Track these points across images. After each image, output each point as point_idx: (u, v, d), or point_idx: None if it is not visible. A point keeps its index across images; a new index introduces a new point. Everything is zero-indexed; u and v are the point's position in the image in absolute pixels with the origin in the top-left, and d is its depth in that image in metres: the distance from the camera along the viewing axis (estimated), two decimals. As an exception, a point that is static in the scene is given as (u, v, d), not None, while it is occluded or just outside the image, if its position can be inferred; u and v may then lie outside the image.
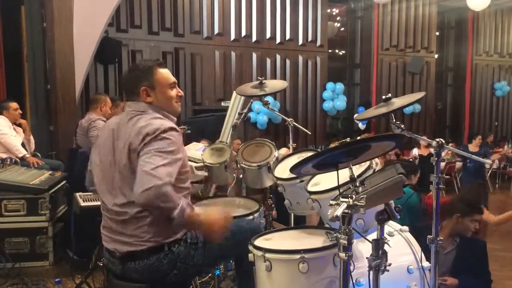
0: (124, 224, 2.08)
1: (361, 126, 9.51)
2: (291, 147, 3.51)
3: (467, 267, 3.06)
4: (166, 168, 1.91)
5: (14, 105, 5.20)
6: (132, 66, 2.28)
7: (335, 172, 1.87)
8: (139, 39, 7.64)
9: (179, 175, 2.04)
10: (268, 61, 8.81)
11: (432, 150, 7.73)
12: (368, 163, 2.17)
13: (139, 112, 2.14)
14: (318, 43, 9.30)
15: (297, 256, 1.96)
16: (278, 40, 8.88)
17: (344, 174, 1.86)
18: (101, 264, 3.19)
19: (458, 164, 8.82)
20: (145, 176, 1.87)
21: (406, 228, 2.52)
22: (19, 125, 5.31)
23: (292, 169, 1.91)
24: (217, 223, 2.07)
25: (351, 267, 1.73)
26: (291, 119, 3.54)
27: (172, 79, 2.24)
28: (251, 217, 2.73)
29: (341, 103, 9.36)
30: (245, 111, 3.70)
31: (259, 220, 2.85)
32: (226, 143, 3.51)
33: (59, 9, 5.92)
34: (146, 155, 1.93)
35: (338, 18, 10.95)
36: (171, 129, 2.03)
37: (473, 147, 8.09)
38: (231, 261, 3.06)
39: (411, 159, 7.79)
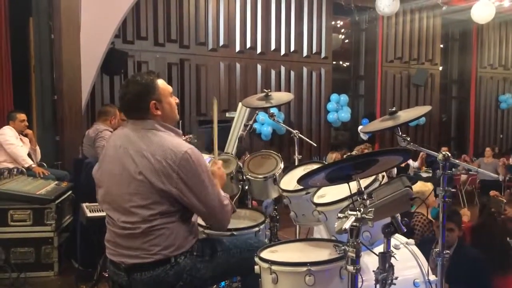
0: (132, 238, 2.07)
1: (364, 136, 9.49)
2: (296, 159, 3.52)
3: (460, 275, 3.05)
4: (218, 191, 2.17)
5: (21, 116, 5.23)
6: (131, 82, 2.16)
7: (342, 184, 1.88)
8: (145, 50, 7.70)
9: None
10: (273, 72, 8.86)
11: (409, 161, 7.69)
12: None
13: (148, 129, 2.12)
14: (323, 55, 9.35)
15: (304, 269, 1.95)
16: (282, 51, 8.94)
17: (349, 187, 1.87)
18: (106, 275, 3.19)
19: (463, 177, 8.78)
20: (216, 213, 2.15)
21: (412, 241, 2.52)
22: (26, 135, 5.34)
23: (299, 181, 1.92)
24: (219, 169, 2.43)
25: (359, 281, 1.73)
26: (297, 131, 3.55)
27: (170, 87, 2.24)
28: (256, 228, 2.74)
29: (345, 114, 9.37)
30: (250, 122, 3.72)
31: (264, 232, 2.85)
32: (232, 154, 3.52)
33: (67, 21, 5.99)
34: (199, 191, 2.06)
35: (342, 30, 11.01)
36: (192, 149, 2.08)
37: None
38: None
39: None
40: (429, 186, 4.21)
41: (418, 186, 4.20)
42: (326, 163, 3.39)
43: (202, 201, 2.08)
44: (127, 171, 2.07)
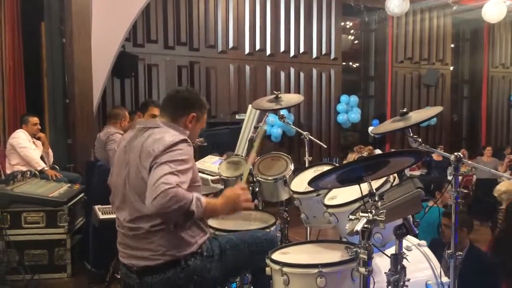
0: (138, 239, 2.12)
1: (377, 137, 9.43)
2: (307, 160, 3.52)
3: (470, 279, 3.01)
4: (174, 176, 1.92)
5: (33, 120, 5.30)
6: (191, 91, 2.34)
7: (352, 186, 1.88)
8: (155, 53, 7.74)
9: (191, 188, 2.03)
10: (282, 74, 8.86)
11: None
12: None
13: (151, 127, 2.20)
14: (332, 56, 9.32)
15: (315, 270, 1.96)
16: (292, 53, 8.93)
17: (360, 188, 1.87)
18: (119, 277, 3.22)
19: (475, 177, 8.66)
20: (153, 186, 1.91)
21: (424, 242, 2.51)
22: (38, 139, 5.40)
23: (310, 183, 1.92)
24: (236, 195, 2.13)
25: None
26: (307, 132, 3.55)
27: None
28: (267, 230, 2.74)
29: (355, 115, 9.34)
30: (260, 124, 3.72)
31: (275, 234, 2.86)
32: (242, 156, 3.53)
33: (78, 25, 6.04)
34: (156, 168, 1.97)
35: (352, 31, 10.97)
36: (183, 141, 2.09)
37: (436, 156, 8.26)
38: (248, 275, 3.06)
39: None
40: None
41: (505, 186, 4.28)
42: (336, 164, 3.39)
43: (151, 175, 1.96)
44: (129, 167, 2.15)
